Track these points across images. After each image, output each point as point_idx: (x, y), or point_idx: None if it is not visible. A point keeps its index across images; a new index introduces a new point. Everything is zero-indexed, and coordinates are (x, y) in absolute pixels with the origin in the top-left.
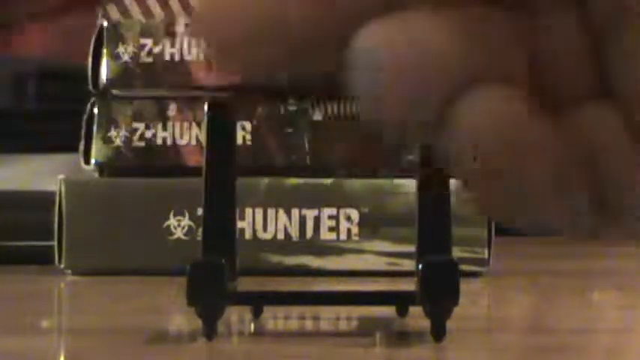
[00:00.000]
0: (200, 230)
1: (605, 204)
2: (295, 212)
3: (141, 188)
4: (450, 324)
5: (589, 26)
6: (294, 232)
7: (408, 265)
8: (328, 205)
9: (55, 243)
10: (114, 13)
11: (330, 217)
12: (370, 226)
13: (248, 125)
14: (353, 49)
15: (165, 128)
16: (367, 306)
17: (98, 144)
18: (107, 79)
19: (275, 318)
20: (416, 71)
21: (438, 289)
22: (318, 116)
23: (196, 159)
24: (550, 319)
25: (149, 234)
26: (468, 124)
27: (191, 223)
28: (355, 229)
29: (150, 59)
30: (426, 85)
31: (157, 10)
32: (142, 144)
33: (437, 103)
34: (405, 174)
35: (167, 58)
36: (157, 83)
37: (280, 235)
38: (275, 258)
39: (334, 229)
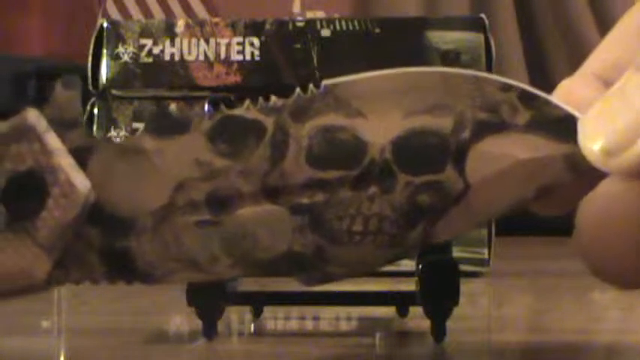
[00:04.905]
0: None
1: None
2: None
3: None
4: (450, 324)
5: None
6: None
7: (408, 265)
8: None
9: None
10: (114, 13)
11: None
12: None
13: None
14: None
15: None
16: (367, 306)
17: None
18: (107, 79)
19: (275, 318)
20: None
21: (438, 289)
22: None
23: None
24: (550, 319)
25: None
26: None
27: None
28: None
29: (150, 59)
30: None
31: (157, 10)
32: None
33: None
34: None
35: (167, 58)
36: (157, 83)
37: None
38: None
39: None
